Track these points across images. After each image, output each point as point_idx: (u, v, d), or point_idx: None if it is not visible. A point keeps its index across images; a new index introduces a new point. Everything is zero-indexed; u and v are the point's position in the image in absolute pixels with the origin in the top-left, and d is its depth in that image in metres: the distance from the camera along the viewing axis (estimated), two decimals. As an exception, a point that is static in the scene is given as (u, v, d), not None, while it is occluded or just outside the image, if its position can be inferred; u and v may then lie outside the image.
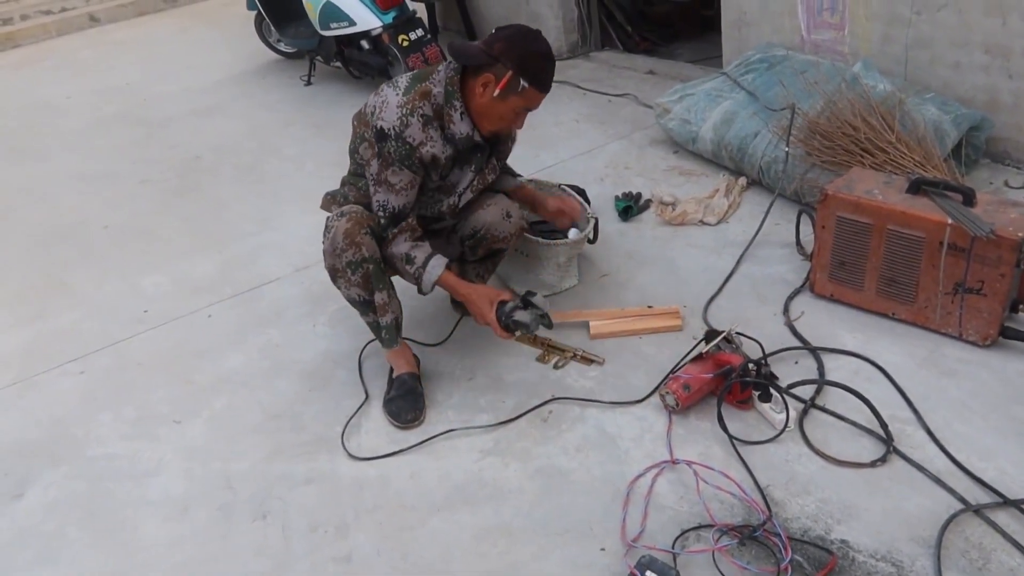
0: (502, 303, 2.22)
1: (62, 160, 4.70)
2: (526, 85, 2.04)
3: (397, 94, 2.09)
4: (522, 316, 2.18)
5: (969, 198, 2.20)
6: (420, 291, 2.28)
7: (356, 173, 2.29)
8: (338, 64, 5.16)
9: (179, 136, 4.82)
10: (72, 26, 8.13)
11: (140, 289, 3.18)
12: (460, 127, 2.13)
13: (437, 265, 2.22)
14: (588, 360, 2.40)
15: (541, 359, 2.43)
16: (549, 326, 2.25)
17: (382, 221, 2.17)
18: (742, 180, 3.31)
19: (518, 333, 2.21)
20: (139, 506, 2.11)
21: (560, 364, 2.41)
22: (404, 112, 2.06)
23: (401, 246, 2.20)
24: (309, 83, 5.40)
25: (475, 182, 2.28)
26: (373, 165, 2.13)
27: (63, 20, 8.14)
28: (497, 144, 2.31)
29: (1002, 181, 3.10)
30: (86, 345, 2.84)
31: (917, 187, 2.29)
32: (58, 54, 7.34)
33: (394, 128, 2.05)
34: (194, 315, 2.95)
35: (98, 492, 2.18)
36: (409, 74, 2.15)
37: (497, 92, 2.04)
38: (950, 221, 2.15)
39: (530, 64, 2.03)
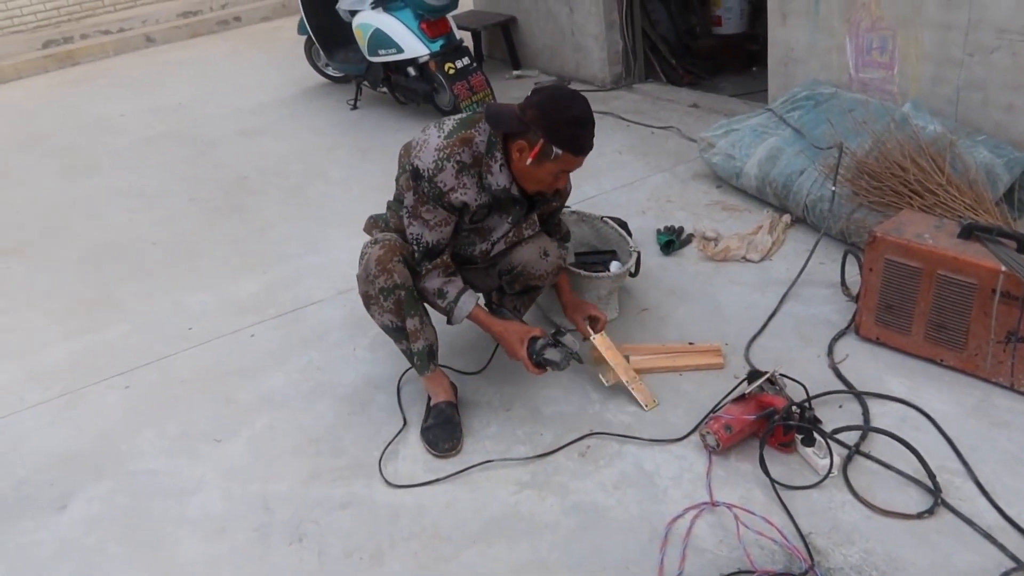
0: (533, 339, 2.24)
1: (114, 177, 4.84)
2: (559, 152, 2.03)
3: (440, 136, 2.11)
4: (552, 354, 2.22)
5: (1024, 245, 2.16)
6: (449, 323, 2.30)
7: (399, 200, 2.32)
8: (384, 89, 5.25)
9: (227, 156, 4.94)
10: (129, 46, 8.41)
11: (185, 306, 3.24)
12: (498, 178, 2.14)
13: (468, 301, 2.25)
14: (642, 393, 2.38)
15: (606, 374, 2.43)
16: (580, 361, 2.27)
17: (416, 254, 2.20)
18: (786, 217, 3.28)
19: (548, 369, 2.24)
20: (178, 524, 2.14)
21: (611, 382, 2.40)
22: (441, 156, 2.08)
23: (434, 281, 2.22)
24: (355, 107, 5.49)
25: (510, 234, 2.30)
26: (408, 198, 2.16)
27: (120, 40, 8.42)
28: (540, 202, 2.32)
29: (1055, 227, 3.04)
30: (132, 360, 2.89)
31: (969, 232, 2.26)
32: (114, 72, 7.58)
33: (428, 170, 2.08)
34: (237, 334, 2.99)
35: (139, 508, 2.21)
36: (457, 117, 2.18)
37: (530, 160, 2.05)
38: (1003, 268, 2.11)
39: (562, 131, 2.02)
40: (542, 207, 2.34)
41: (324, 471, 2.25)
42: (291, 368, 2.74)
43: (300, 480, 2.23)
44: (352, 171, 4.46)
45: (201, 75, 7.06)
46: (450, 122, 2.16)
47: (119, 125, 5.84)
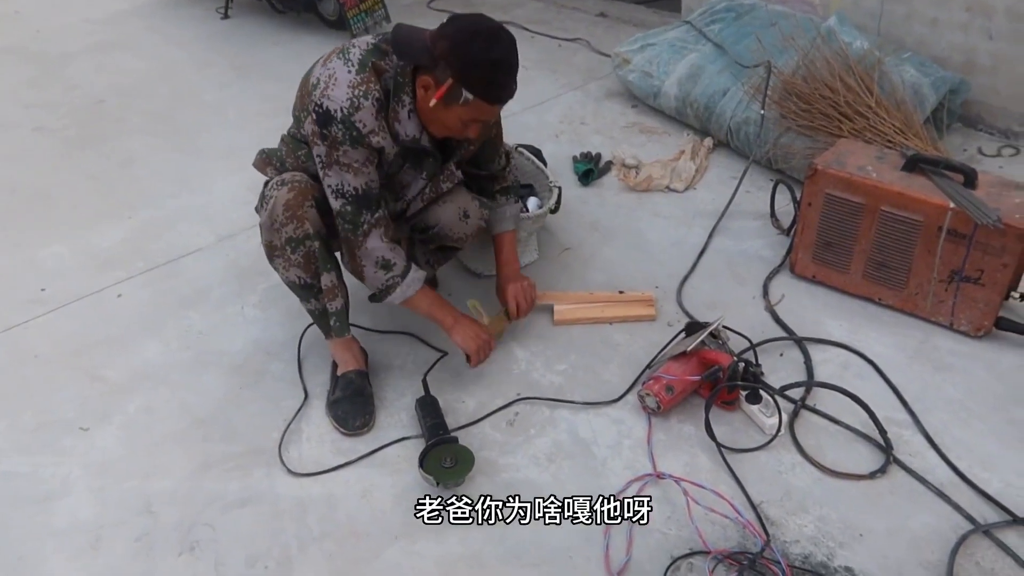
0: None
1: (-60, 102, 4.13)
2: (470, 97, 1.69)
3: (349, 71, 1.73)
4: (430, 465, 1.80)
5: (971, 179, 2.03)
6: (377, 299, 1.98)
7: (297, 138, 1.95)
8: (259, -4, 4.67)
9: (79, 76, 4.29)
10: (-51, -60, 7.21)
11: (36, 262, 2.77)
12: (406, 127, 1.80)
13: (415, 280, 1.94)
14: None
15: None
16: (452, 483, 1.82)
17: (347, 208, 1.82)
18: (708, 141, 3.09)
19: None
20: (42, 538, 1.79)
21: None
22: (356, 93, 1.72)
23: (377, 244, 1.87)
24: (227, 16, 4.90)
25: (427, 190, 1.99)
26: (320, 147, 1.78)
27: (-62, -67, 7.20)
28: (456, 149, 1.99)
29: (975, 148, 2.97)
30: (-28, 332, 2.45)
31: (913, 164, 2.11)
32: (-67, -27, 6.50)
33: (342, 109, 1.71)
34: (101, 294, 2.58)
35: (-9, 519, 1.86)
36: (362, 44, 1.79)
37: (434, 101, 1.72)
38: (952, 205, 1.98)
39: (476, 74, 1.67)
40: (459, 154, 2.02)
41: (215, 461, 1.95)
42: (168, 334, 2.37)
43: (187, 474, 1.92)
44: (227, 93, 3.95)
45: (41, -23, 6.13)
46: (356, 51, 1.77)
47: (-57, 38, 5.01)
